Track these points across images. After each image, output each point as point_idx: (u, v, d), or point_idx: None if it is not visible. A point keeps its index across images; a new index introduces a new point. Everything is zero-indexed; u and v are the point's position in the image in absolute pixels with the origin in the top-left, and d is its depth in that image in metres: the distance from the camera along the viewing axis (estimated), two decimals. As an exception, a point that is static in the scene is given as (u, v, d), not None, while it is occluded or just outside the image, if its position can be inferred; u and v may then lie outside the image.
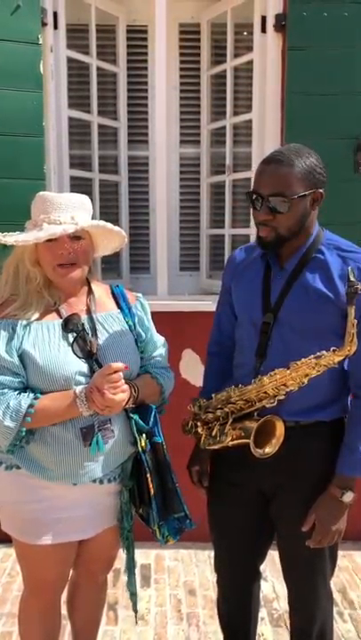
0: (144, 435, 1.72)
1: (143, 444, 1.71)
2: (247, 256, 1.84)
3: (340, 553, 2.99)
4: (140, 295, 1.93)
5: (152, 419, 1.73)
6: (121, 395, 1.60)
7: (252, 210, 1.67)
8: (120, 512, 1.79)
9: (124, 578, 2.79)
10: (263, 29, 2.92)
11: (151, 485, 1.69)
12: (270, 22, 2.87)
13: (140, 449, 1.71)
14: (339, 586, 2.81)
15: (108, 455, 1.70)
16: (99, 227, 1.71)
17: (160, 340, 1.92)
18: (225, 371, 1.87)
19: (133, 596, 1.90)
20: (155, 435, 1.73)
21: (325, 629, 1.87)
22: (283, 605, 2.63)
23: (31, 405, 1.58)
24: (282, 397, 1.63)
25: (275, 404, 1.63)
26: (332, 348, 1.58)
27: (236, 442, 1.67)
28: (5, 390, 1.60)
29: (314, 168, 1.60)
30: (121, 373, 1.61)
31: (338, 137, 2.84)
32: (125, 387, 1.63)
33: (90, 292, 1.80)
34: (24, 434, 1.60)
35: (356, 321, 1.56)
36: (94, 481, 1.70)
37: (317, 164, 1.62)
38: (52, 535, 1.69)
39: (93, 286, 1.82)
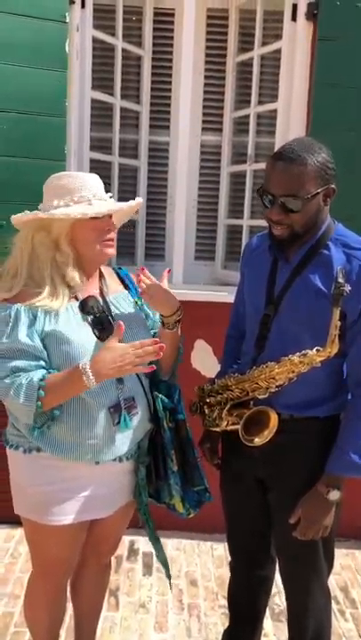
0: (168, 412, 1.76)
1: (169, 421, 1.76)
2: (260, 244, 1.84)
3: (342, 552, 3.03)
4: None
5: (177, 396, 1.79)
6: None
7: (263, 207, 1.65)
8: (137, 488, 1.81)
9: (125, 564, 2.83)
10: (293, 18, 2.86)
11: (176, 461, 1.75)
12: (302, 10, 2.81)
13: (165, 426, 1.75)
14: (341, 584, 2.80)
15: (132, 433, 1.72)
16: (138, 206, 1.76)
17: None
18: (240, 354, 1.90)
19: (165, 566, 1.90)
20: (178, 412, 1.79)
21: (322, 627, 1.87)
22: (284, 601, 2.61)
23: (42, 379, 1.57)
24: (273, 390, 1.66)
25: (266, 395, 1.66)
26: (315, 348, 1.59)
27: (231, 427, 1.72)
28: (20, 374, 1.59)
29: (325, 164, 1.57)
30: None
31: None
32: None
33: (101, 274, 1.81)
34: (40, 408, 1.57)
35: (339, 323, 1.55)
36: (114, 459, 1.71)
37: (328, 158, 1.59)
38: (72, 515, 1.70)
39: (102, 269, 1.83)
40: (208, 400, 1.82)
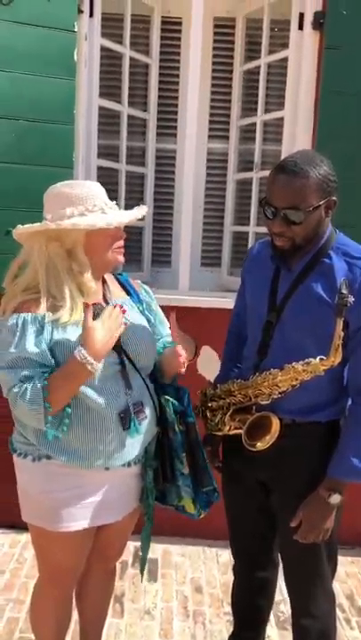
0: (178, 415, 1.78)
1: (179, 424, 1.78)
2: (262, 251, 1.86)
3: (347, 559, 3.02)
4: (139, 281, 1.97)
5: (186, 399, 1.81)
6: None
7: (265, 218, 1.67)
8: (145, 491, 1.82)
9: (130, 570, 2.83)
10: (300, 26, 2.88)
11: (186, 463, 1.78)
12: (308, 19, 2.83)
13: (177, 429, 1.77)
14: (346, 592, 2.79)
15: (141, 437, 1.73)
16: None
17: (166, 320, 1.96)
18: (239, 356, 1.93)
19: (143, 561, 1.93)
20: (188, 415, 1.80)
21: (327, 633, 1.87)
22: (290, 608, 2.61)
23: (45, 379, 1.57)
24: (276, 396, 1.68)
25: (269, 401, 1.69)
26: (318, 357, 1.61)
27: (234, 432, 1.75)
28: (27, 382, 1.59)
29: (327, 177, 1.60)
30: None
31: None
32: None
33: (103, 280, 1.81)
34: (50, 408, 1.56)
35: (342, 333, 1.58)
36: (123, 464, 1.72)
37: (330, 171, 1.61)
38: (82, 520, 1.71)
39: (104, 275, 1.83)
40: (210, 404, 1.84)
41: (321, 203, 1.60)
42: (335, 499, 1.67)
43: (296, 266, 1.70)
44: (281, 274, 1.74)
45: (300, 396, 1.69)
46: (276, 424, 1.68)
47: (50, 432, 1.61)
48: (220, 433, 1.81)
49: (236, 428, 1.75)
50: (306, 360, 1.63)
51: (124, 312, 1.62)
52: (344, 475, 1.68)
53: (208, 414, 1.85)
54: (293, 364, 1.64)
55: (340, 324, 1.56)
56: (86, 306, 1.57)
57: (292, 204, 1.58)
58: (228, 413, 1.76)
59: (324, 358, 1.60)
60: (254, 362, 1.76)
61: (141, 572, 1.96)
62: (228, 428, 1.77)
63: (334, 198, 1.63)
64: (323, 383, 1.68)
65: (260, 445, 1.68)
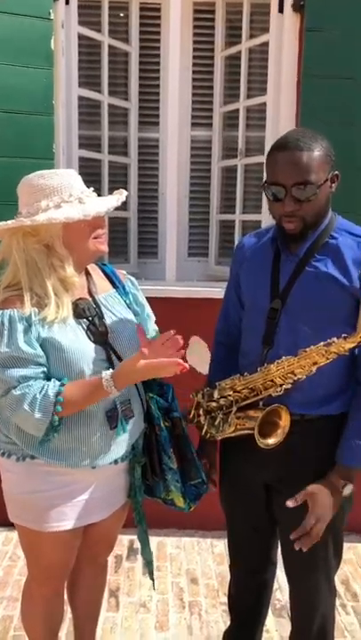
0: (162, 411, 1.74)
1: (165, 420, 1.74)
2: (257, 241, 1.79)
3: (344, 545, 3.01)
4: (124, 272, 1.91)
5: (170, 394, 1.77)
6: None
7: (269, 202, 1.60)
8: (132, 488, 1.79)
9: (125, 564, 2.82)
10: (280, 9, 2.84)
11: (175, 459, 1.73)
12: (288, 2, 2.79)
13: (162, 425, 1.72)
14: (342, 578, 2.79)
15: (128, 436, 1.70)
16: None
17: (152, 314, 1.91)
18: (231, 360, 1.82)
19: (150, 564, 1.91)
20: (173, 410, 1.76)
21: (326, 625, 1.84)
22: (285, 596, 2.60)
23: (59, 393, 1.51)
24: (289, 386, 1.58)
25: (281, 392, 1.59)
26: (343, 335, 1.53)
27: (239, 432, 1.64)
28: (31, 382, 1.52)
29: (328, 149, 1.57)
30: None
31: (356, 123, 2.77)
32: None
33: (88, 273, 1.75)
34: (57, 423, 1.53)
35: None
36: (110, 462, 1.69)
37: (329, 144, 1.57)
38: (70, 520, 1.68)
39: (88, 267, 1.77)
40: (207, 406, 1.71)
41: (328, 176, 1.55)
42: (348, 489, 1.59)
43: (299, 249, 1.63)
44: (281, 259, 1.66)
45: (307, 389, 1.60)
46: (286, 416, 1.59)
47: (45, 440, 1.57)
48: (219, 436, 1.69)
49: (240, 427, 1.63)
50: (327, 341, 1.53)
51: (179, 349, 1.51)
52: (356, 461, 1.60)
53: (202, 419, 1.72)
54: (312, 347, 1.54)
55: None
56: (142, 353, 1.49)
57: (304, 178, 1.51)
58: (233, 411, 1.64)
59: (348, 336, 1.51)
60: (260, 353, 1.65)
61: (151, 577, 1.92)
62: (232, 428, 1.64)
63: (337, 172, 1.59)
64: (330, 373, 1.59)
65: (272, 442, 1.58)
